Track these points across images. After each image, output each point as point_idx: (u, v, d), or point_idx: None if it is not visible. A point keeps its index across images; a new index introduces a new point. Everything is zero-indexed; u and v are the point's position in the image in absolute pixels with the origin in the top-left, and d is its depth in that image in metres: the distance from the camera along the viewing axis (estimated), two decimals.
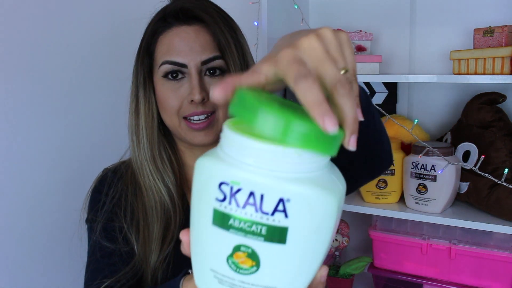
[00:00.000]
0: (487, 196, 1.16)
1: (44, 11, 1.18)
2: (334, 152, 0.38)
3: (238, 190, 0.37)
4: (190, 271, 0.63)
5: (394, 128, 1.35)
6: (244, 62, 0.82)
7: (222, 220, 0.38)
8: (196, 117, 0.79)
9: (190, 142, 0.83)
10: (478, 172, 1.11)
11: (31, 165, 1.18)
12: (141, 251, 0.81)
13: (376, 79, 1.27)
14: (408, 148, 1.31)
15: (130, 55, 0.89)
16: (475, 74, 1.15)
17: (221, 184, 0.38)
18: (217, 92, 0.41)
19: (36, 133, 1.18)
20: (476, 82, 1.17)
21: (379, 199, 1.30)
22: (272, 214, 0.37)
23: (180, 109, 0.80)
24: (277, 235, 0.37)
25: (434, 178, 1.20)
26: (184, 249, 0.46)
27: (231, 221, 0.38)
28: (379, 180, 1.28)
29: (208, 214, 0.39)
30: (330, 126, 0.36)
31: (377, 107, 0.68)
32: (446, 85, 1.41)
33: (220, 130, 0.76)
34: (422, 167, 1.21)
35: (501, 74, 1.10)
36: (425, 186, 1.21)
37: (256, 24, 1.33)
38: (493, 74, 1.12)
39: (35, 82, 1.17)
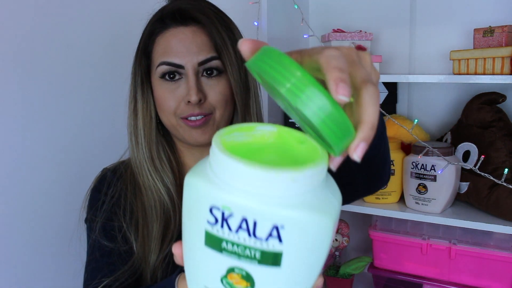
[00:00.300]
0: (487, 196, 1.16)
1: (43, 12, 1.19)
2: (337, 151, 0.37)
3: (230, 215, 0.35)
4: (178, 276, 0.64)
5: (394, 128, 1.35)
6: (241, 63, 0.82)
7: (214, 242, 0.37)
8: (193, 118, 0.80)
9: (188, 141, 0.83)
10: (478, 172, 1.11)
11: (30, 164, 1.18)
12: (140, 250, 0.81)
13: None
14: (408, 148, 1.31)
15: (129, 56, 0.89)
16: (475, 74, 1.16)
17: (211, 208, 0.36)
18: (246, 42, 0.40)
19: (36, 133, 1.18)
20: (476, 82, 1.17)
21: (379, 199, 1.30)
22: (266, 239, 0.36)
23: (177, 110, 0.81)
24: (272, 259, 0.36)
25: (434, 178, 1.20)
26: (177, 260, 0.46)
27: (223, 244, 0.37)
28: None
29: (200, 235, 0.38)
30: (342, 90, 0.35)
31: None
32: (446, 85, 1.41)
33: (217, 130, 0.78)
34: (422, 167, 1.21)
35: (501, 74, 1.10)
36: (425, 186, 1.21)
37: (256, 24, 1.33)
38: (493, 74, 1.12)
39: (34, 83, 1.18)
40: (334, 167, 0.39)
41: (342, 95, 0.35)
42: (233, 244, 0.36)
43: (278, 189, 0.35)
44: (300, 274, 0.39)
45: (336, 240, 1.46)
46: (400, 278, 1.34)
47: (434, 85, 1.42)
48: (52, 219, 1.23)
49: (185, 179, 0.39)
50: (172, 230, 0.83)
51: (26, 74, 1.15)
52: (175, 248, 0.45)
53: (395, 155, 1.27)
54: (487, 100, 1.22)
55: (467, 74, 1.17)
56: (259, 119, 0.87)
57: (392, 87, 1.44)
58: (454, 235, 1.27)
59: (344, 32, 1.36)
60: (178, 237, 0.83)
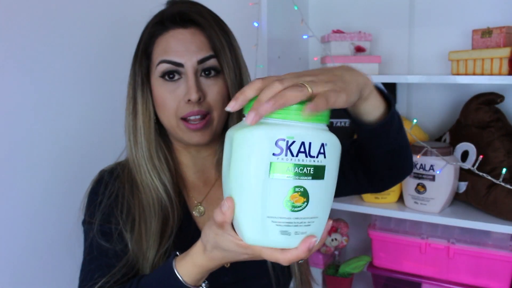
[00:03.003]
0: (485, 195, 1.17)
1: (43, 13, 1.19)
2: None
3: (293, 143, 0.49)
4: (178, 253, 0.71)
5: None
6: (237, 65, 0.86)
7: (280, 169, 0.50)
8: (192, 117, 0.82)
9: (187, 142, 0.85)
10: (476, 172, 1.12)
11: (29, 165, 1.18)
12: (135, 247, 0.82)
13: (376, 80, 1.27)
14: None
15: (126, 57, 0.90)
16: (474, 74, 1.16)
17: (277, 140, 0.49)
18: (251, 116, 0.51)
19: (34, 133, 1.19)
20: (474, 83, 1.18)
21: (378, 198, 1.31)
22: (317, 156, 0.51)
23: (177, 110, 0.82)
24: (320, 172, 0.51)
25: (432, 178, 1.20)
26: (224, 215, 0.54)
27: (288, 169, 0.50)
28: None
29: (264, 168, 0.50)
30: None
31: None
32: (444, 86, 1.42)
33: (215, 131, 0.83)
34: (421, 167, 1.22)
35: (499, 74, 1.11)
36: (424, 186, 1.22)
37: (256, 25, 1.34)
38: (491, 74, 1.12)
39: (33, 83, 1.18)
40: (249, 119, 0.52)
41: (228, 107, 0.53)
42: (294, 166, 0.50)
43: (318, 120, 0.52)
44: (333, 185, 0.54)
45: (336, 239, 1.47)
46: (399, 277, 1.35)
47: (433, 85, 1.43)
48: (51, 220, 1.24)
49: (239, 134, 0.52)
50: (171, 226, 0.84)
51: (24, 74, 1.15)
52: (227, 201, 0.54)
53: None
54: (485, 100, 1.23)
55: (466, 74, 1.18)
56: None
57: (391, 88, 1.45)
58: (452, 234, 1.28)
59: (344, 32, 1.37)
60: (178, 231, 0.85)
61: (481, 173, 1.12)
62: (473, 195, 1.21)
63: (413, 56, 1.44)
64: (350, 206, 1.31)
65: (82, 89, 1.32)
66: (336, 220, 1.49)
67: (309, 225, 0.52)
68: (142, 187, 0.86)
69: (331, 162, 0.52)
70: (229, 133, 0.55)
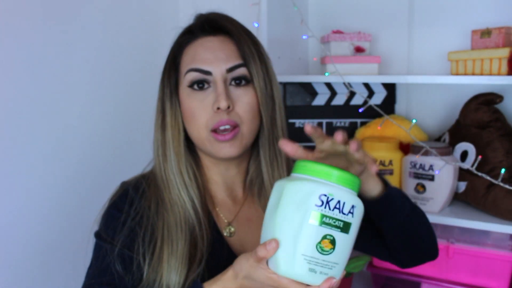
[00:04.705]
0: (484, 195, 1.18)
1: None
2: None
3: (332, 199, 0.62)
4: (202, 283, 0.72)
5: (393, 128, 1.36)
6: (267, 74, 0.83)
7: (317, 218, 0.61)
8: (222, 127, 0.79)
9: (216, 155, 0.82)
10: (476, 172, 1.13)
11: (29, 164, 1.18)
12: (152, 274, 0.78)
13: (375, 80, 1.28)
14: (406, 148, 1.33)
15: (153, 71, 0.89)
16: (473, 74, 1.17)
17: (321, 195, 0.61)
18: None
19: (34, 133, 1.19)
20: (473, 83, 1.19)
21: None
22: (347, 214, 0.62)
23: (207, 121, 0.80)
24: (347, 227, 0.63)
25: (432, 178, 1.21)
26: (268, 252, 0.63)
27: (324, 219, 0.61)
28: None
29: (306, 214, 0.61)
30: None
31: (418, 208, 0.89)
32: (444, 86, 1.42)
33: (244, 144, 0.83)
34: (421, 166, 1.22)
35: (498, 74, 1.12)
36: (423, 186, 1.23)
37: (256, 25, 1.34)
38: (491, 74, 1.13)
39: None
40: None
41: None
42: (329, 218, 0.61)
43: (351, 185, 0.64)
44: (354, 240, 0.65)
45: None
46: (398, 277, 1.35)
47: (432, 85, 1.44)
48: (50, 220, 1.24)
49: (289, 185, 0.64)
50: (201, 249, 0.80)
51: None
52: (270, 243, 0.63)
53: (394, 155, 1.28)
54: (485, 100, 1.23)
55: (465, 74, 1.19)
56: (284, 133, 0.87)
57: (390, 88, 1.46)
58: (452, 234, 1.28)
59: (343, 33, 1.37)
60: (210, 254, 0.81)
61: (480, 173, 1.12)
62: (472, 195, 1.21)
63: (412, 56, 1.45)
64: None
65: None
66: None
67: (331, 269, 0.63)
68: (170, 204, 0.82)
69: (356, 221, 0.64)
70: (281, 183, 0.66)
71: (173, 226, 0.80)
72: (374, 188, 0.78)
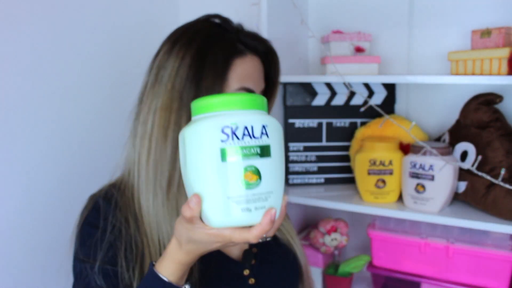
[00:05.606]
0: (484, 195, 1.18)
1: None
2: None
3: (237, 128, 0.56)
4: (153, 262, 0.70)
5: (393, 128, 1.36)
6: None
7: (230, 153, 0.56)
8: None
9: None
10: (476, 172, 1.13)
11: (29, 165, 1.19)
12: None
13: (375, 80, 1.28)
14: (406, 148, 1.33)
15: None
16: (473, 75, 1.17)
17: (223, 128, 0.55)
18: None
19: (34, 133, 1.19)
20: (473, 83, 1.19)
21: (378, 198, 1.31)
22: (260, 137, 0.57)
23: None
24: (266, 151, 0.57)
25: (432, 178, 1.21)
26: (192, 210, 0.57)
27: (237, 151, 0.56)
28: (378, 180, 1.29)
29: (215, 155, 0.56)
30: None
31: None
32: (444, 86, 1.42)
33: None
34: (420, 166, 1.22)
35: (498, 74, 1.12)
36: (423, 186, 1.23)
37: (256, 25, 1.34)
38: (491, 75, 1.13)
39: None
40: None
41: None
42: (242, 148, 0.56)
43: (256, 105, 0.59)
44: (281, 162, 0.60)
45: (335, 239, 1.47)
46: (398, 277, 1.35)
47: (432, 85, 1.44)
48: (49, 220, 1.24)
49: (187, 130, 0.58)
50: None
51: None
52: (194, 197, 0.57)
53: (394, 155, 1.28)
54: (485, 100, 1.23)
55: (465, 74, 1.19)
56: None
57: (390, 88, 1.46)
58: (452, 234, 1.29)
59: (343, 33, 1.37)
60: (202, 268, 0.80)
61: (480, 173, 1.12)
62: (473, 195, 1.21)
63: (412, 57, 1.45)
64: (350, 206, 1.31)
65: (85, 89, 1.32)
66: (336, 219, 1.49)
67: (266, 200, 0.58)
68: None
69: (275, 141, 0.59)
70: (180, 134, 0.60)
71: (155, 239, 0.79)
72: None
